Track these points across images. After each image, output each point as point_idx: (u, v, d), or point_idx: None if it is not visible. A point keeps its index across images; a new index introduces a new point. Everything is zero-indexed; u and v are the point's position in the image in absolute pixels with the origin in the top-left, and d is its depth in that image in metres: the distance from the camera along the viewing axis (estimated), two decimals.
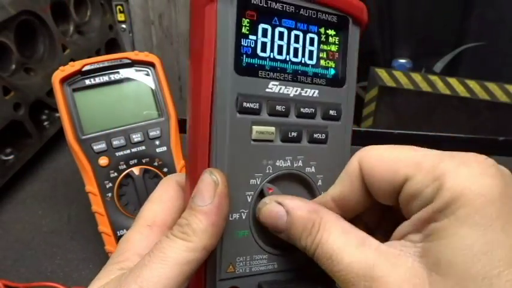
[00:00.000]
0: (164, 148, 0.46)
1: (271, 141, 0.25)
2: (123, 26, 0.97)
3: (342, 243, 0.22)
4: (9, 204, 0.57)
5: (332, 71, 0.27)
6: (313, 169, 0.27)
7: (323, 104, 0.27)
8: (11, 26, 0.56)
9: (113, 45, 0.80)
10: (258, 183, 0.25)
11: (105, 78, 0.46)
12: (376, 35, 0.90)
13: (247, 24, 0.24)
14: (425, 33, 0.87)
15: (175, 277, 0.21)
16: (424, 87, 0.77)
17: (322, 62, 0.27)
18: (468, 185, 0.19)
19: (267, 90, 0.25)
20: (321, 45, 0.27)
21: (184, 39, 1.01)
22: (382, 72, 0.78)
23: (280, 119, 0.26)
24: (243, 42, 0.24)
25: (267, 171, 0.25)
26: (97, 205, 0.44)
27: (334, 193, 0.25)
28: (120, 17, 0.96)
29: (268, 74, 0.25)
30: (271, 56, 0.25)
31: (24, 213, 0.55)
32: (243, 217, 0.25)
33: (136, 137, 0.45)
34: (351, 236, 0.22)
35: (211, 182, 0.23)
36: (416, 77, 0.77)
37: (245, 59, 0.24)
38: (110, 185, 0.44)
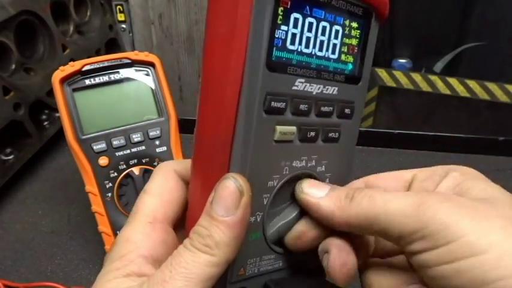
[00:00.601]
0: (164, 148, 0.46)
1: (291, 141, 0.24)
2: (123, 26, 0.97)
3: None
4: (9, 204, 0.57)
5: (350, 66, 0.26)
6: (323, 168, 0.26)
7: (340, 102, 0.25)
8: (11, 26, 0.56)
9: (113, 45, 0.80)
10: (275, 185, 0.24)
11: (105, 78, 0.46)
12: None
13: (281, 13, 0.21)
14: (425, 33, 0.87)
15: None
16: (424, 87, 0.77)
17: (342, 57, 0.25)
18: None
19: (293, 88, 0.23)
20: (344, 38, 0.25)
21: (184, 39, 1.01)
22: (382, 72, 0.78)
23: (301, 119, 0.24)
24: (277, 33, 0.21)
25: (284, 172, 0.24)
26: (97, 205, 0.44)
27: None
28: (120, 17, 0.96)
29: (295, 70, 0.23)
30: (299, 50, 0.23)
31: (24, 213, 0.55)
32: (258, 220, 0.24)
33: (136, 137, 0.45)
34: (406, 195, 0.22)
35: (235, 190, 0.20)
36: (416, 77, 0.77)
37: (275, 52, 0.22)
38: (110, 185, 0.44)
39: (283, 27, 0.22)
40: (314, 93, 0.24)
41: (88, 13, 0.75)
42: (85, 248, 0.50)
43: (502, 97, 0.73)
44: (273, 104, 0.22)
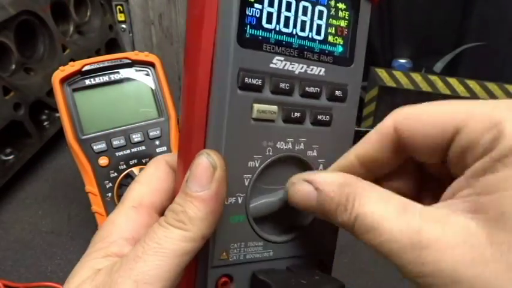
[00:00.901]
0: (164, 148, 0.46)
1: (272, 121, 0.23)
2: (123, 26, 0.97)
3: (382, 212, 0.19)
4: (9, 204, 0.57)
5: (340, 48, 0.25)
6: (314, 153, 0.25)
7: (329, 84, 0.25)
8: (11, 26, 0.56)
9: (113, 45, 0.80)
10: (257, 165, 0.23)
11: (105, 78, 0.46)
12: (376, 35, 0.90)
13: None
14: (425, 33, 0.87)
15: (173, 269, 0.20)
16: (424, 87, 0.77)
17: (330, 38, 0.25)
18: None
19: (271, 65, 0.23)
20: (330, 19, 0.24)
21: (184, 39, 1.01)
22: (382, 72, 0.78)
23: (283, 98, 0.23)
24: (248, 11, 0.21)
25: (267, 153, 0.24)
26: (97, 205, 0.44)
27: (359, 152, 0.23)
28: (120, 17, 0.96)
29: (273, 48, 0.23)
30: (277, 29, 0.23)
31: (24, 213, 0.55)
32: (239, 201, 0.23)
33: (136, 137, 0.45)
34: (390, 204, 0.19)
35: (208, 165, 0.20)
36: (416, 77, 0.77)
37: (249, 30, 0.22)
38: (110, 185, 0.44)
39: (257, 6, 0.22)
40: (296, 72, 0.24)
41: (88, 13, 0.75)
42: (85, 248, 0.50)
43: (502, 97, 0.73)
44: (247, 80, 0.22)
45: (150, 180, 0.25)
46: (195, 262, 0.23)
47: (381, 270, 0.33)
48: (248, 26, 0.22)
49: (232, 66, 0.21)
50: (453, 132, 0.19)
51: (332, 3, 0.24)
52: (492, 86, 0.72)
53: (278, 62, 0.23)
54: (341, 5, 0.25)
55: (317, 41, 0.24)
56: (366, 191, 0.20)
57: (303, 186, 0.22)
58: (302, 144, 0.25)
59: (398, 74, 0.76)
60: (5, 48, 0.56)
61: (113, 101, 0.46)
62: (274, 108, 0.23)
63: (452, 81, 0.74)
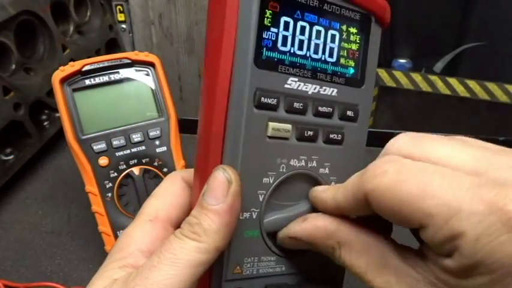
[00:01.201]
0: (164, 148, 0.46)
1: (287, 139, 0.24)
2: (123, 26, 0.97)
3: (364, 264, 0.21)
4: (9, 204, 0.57)
5: (351, 70, 0.26)
6: (326, 170, 0.26)
7: (341, 104, 0.26)
8: (11, 26, 0.56)
9: (113, 45, 0.80)
10: (271, 182, 0.24)
11: (105, 78, 0.46)
12: None
13: (270, 16, 0.23)
14: (425, 33, 0.87)
15: (187, 279, 0.20)
16: (424, 87, 0.77)
17: (342, 60, 0.26)
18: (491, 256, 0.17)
19: (286, 86, 0.24)
20: (342, 43, 0.25)
21: (184, 39, 1.01)
22: (382, 72, 0.78)
23: (297, 117, 0.24)
24: (264, 34, 0.23)
25: (281, 170, 0.24)
26: (97, 205, 0.44)
27: (335, 202, 0.23)
28: (120, 17, 0.96)
29: (288, 69, 0.24)
30: (292, 51, 0.24)
31: (24, 213, 0.55)
32: (254, 217, 0.24)
33: (136, 137, 0.45)
34: (371, 255, 0.21)
35: (224, 180, 0.21)
36: (416, 77, 0.77)
37: (265, 52, 0.23)
38: (110, 185, 0.44)
39: (273, 29, 0.23)
40: (310, 92, 0.25)
41: (88, 13, 0.75)
42: (85, 248, 0.50)
43: (502, 97, 0.73)
44: (263, 99, 0.23)
45: (165, 195, 0.26)
46: (209, 275, 0.24)
47: None
48: (264, 49, 0.23)
49: (249, 86, 0.22)
50: (417, 226, 0.19)
51: (344, 27, 0.25)
52: (492, 86, 0.72)
53: (292, 83, 0.24)
54: (352, 29, 0.26)
55: (330, 63, 0.25)
56: (350, 241, 0.22)
57: (298, 226, 0.24)
58: (315, 162, 0.25)
59: (398, 74, 0.76)
60: (5, 48, 0.56)
61: (113, 101, 0.46)
62: (289, 126, 0.24)
63: (452, 81, 0.74)
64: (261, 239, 0.25)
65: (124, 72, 0.46)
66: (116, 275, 0.22)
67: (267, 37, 0.23)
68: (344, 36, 0.25)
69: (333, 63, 0.25)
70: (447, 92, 0.74)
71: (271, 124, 0.23)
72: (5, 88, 0.54)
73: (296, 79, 0.24)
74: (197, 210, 0.22)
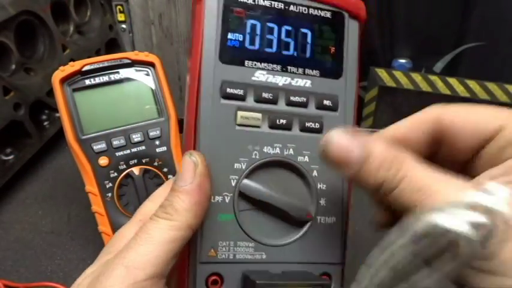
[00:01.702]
0: (164, 148, 0.46)
1: (257, 127, 0.26)
2: (123, 26, 0.97)
3: (429, 177, 0.20)
4: (9, 204, 0.57)
5: (327, 64, 0.27)
6: (306, 159, 0.27)
7: (316, 94, 0.27)
8: (11, 26, 0.56)
9: (113, 45, 0.80)
10: (243, 167, 0.26)
11: (105, 78, 0.46)
12: (376, 35, 0.90)
13: (235, 20, 0.25)
14: (425, 33, 0.87)
15: (162, 255, 0.22)
16: (424, 87, 0.77)
17: (316, 56, 0.27)
18: None
19: (253, 78, 0.26)
20: (316, 39, 0.27)
21: (184, 39, 1.01)
22: (382, 72, 0.78)
23: (268, 106, 0.26)
24: (230, 35, 0.25)
25: (253, 156, 0.26)
26: (97, 205, 0.44)
27: (397, 132, 0.24)
28: (120, 17, 0.96)
29: (255, 64, 0.26)
30: (260, 49, 0.26)
31: (24, 213, 0.55)
32: (226, 200, 0.25)
33: (136, 137, 0.45)
34: (434, 171, 0.20)
35: (190, 162, 0.23)
36: (416, 77, 0.77)
37: (231, 50, 0.25)
38: (110, 185, 0.44)
39: (240, 31, 0.26)
40: (280, 84, 0.26)
41: (88, 13, 0.75)
42: (85, 248, 0.50)
43: (502, 97, 0.73)
44: (229, 90, 0.25)
45: (159, 198, 0.27)
46: (188, 257, 0.25)
47: None
48: (231, 47, 0.26)
49: (215, 79, 0.25)
50: (493, 132, 0.21)
51: (316, 25, 0.27)
52: (492, 86, 0.72)
53: (260, 75, 0.26)
54: (325, 27, 0.27)
55: (302, 58, 0.27)
56: (411, 156, 0.21)
57: (348, 141, 0.21)
58: (291, 149, 0.26)
59: (398, 74, 0.76)
60: (5, 48, 0.56)
61: (113, 101, 0.46)
62: (258, 115, 0.26)
63: (452, 81, 0.74)
64: (236, 223, 0.25)
65: (124, 72, 0.47)
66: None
67: (233, 38, 0.25)
68: (317, 34, 0.27)
69: (305, 58, 0.27)
70: (447, 92, 0.74)
71: (240, 113, 0.25)
72: (5, 88, 0.54)
73: (264, 72, 0.26)
74: (169, 194, 0.23)
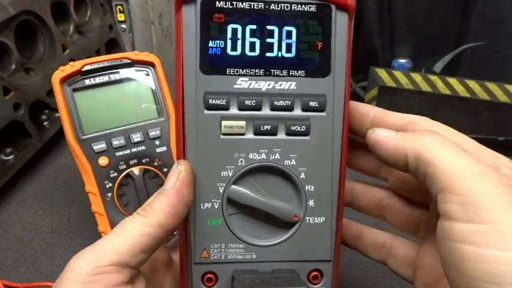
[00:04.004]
0: (164, 148, 0.46)
1: (242, 134, 0.26)
2: (123, 26, 0.97)
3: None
4: (9, 204, 0.57)
5: (314, 62, 0.26)
6: (293, 162, 0.27)
7: (302, 96, 0.26)
8: (11, 26, 0.56)
9: (113, 45, 0.80)
10: (230, 175, 0.26)
11: (105, 78, 0.46)
12: (376, 35, 0.90)
13: (215, 27, 0.25)
14: (425, 33, 0.87)
15: (128, 246, 0.23)
16: (424, 87, 0.77)
17: (302, 54, 0.26)
18: None
19: (236, 86, 0.26)
20: (301, 36, 0.26)
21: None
22: (382, 72, 0.78)
23: (252, 113, 0.26)
24: (211, 43, 0.25)
25: (239, 163, 0.26)
26: (97, 205, 0.44)
27: None
28: (120, 17, 0.96)
29: (237, 71, 0.26)
30: (242, 54, 0.26)
31: (24, 213, 0.55)
32: (215, 206, 0.26)
33: (136, 137, 0.45)
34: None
35: (176, 170, 0.25)
36: (416, 77, 0.77)
37: (212, 59, 0.25)
38: (110, 185, 0.44)
39: (220, 38, 0.25)
40: (263, 89, 0.26)
41: (88, 13, 0.75)
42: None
43: (502, 97, 0.73)
44: (212, 101, 0.26)
45: None
46: (185, 260, 0.27)
47: (381, 271, 0.33)
48: (212, 56, 0.25)
49: (197, 90, 0.25)
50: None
51: (301, 21, 0.26)
52: (492, 86, 0.72)
53: (242, 83, 0.26)
54: (311, 22, 0.26)
55: (287, 59, 0.26)
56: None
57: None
58: (277, 154, 0.27)
59: (398, 74, 0.76)
60: (5, 48, 0.56)
61: (113, 101, 0.46)
62: (242, 123, 0.26)
63: (452, 81, 0.74)
64: (226, 227, 0.27)
65: (124, 72, 0.46)
66: None
67: (214, 45, 0.25)
68: (302, 30, 0.26)
69: (291, 58, 0.26)
70: (447, 92, 0.74)
71: (224, 122, 0.26)
72: (5, 88, 0.54)
73: (246, 78, 0.26)
74: (154, 195, 0.25)
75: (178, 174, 0.25)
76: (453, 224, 0.21)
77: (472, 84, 0.72)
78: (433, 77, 0.73)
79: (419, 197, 0.30)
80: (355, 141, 0.30)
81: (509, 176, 0.22)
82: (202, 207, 0.26)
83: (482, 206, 0.20)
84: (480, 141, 0.25)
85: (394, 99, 0.80)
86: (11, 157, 0.57)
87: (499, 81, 0.73)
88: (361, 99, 1.20)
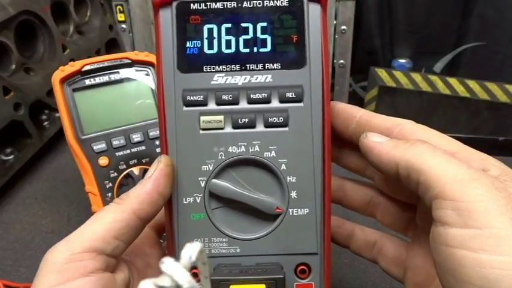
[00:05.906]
0: None
1: (221, 128, 0.27)
2: (123, 26, 0.97)
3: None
4: (9, 204, 0.57)
5: (289, 54, 0.27)
6: (273, 154, 0.27)
7: (279, 88, 0.27)
8: (11, 26, 0.56)
9: (113, 45, 0.80)
10: (211, 169, 0.27)
11: (105, 78, 0.46)
12: (376, 35, 0.90)
13: (192, 28, 0.26)
14: (425, 33, 0.87)
15: (100, 232, 0.24)
16: (424, 87, 0.77)
17: (277, 48, 0.27)
18: None
19: (213, 82, 0.27)
20: (275, 30, 0.27)
21: None
22: (382, 72, 0.78)
23: (229, 107, 0.27)
24: (189, 44, 0.26)
25: (219, 157, 0.27)
26: (97, 205, 0.44)
27: None
28: (120, 17, 0.96)
29: (213, 68, 0.27)
30: (219, 52, 0.27)
31: (24, 213, 0.55)
32: (197, 201, 0.27)
33: (136, 137, 0.45)
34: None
35: (155, 162, 0.26)
36: (416, 77, 0.77)
37: (190, 58, 0.27)
38: (110, 185, 0.44)
39: (197, 38, 0.27)
40: (240, 83, 0.27)
41: (88, 13, 0.75)
42: None
43: (502, 97, 0.73)
44: (189, 98, 0.26)
45: None
46: (172, 254, 0.26)
47: (381, 271, 0.33)
48: (189, 56, 0.27)
49: (176, 88, 0.27)
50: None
51: (275, 16, 0.27)
52: (492, 86, 0.72)
53: (219, 79, 0.27)
54: (284, 16, 0.27)
55: (262, 53, 0.27)
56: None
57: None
58: (257, 146, 0.27)
59: (398, 74, 0.76)
60: (5, 48, 0.56)
61: (113, 101, 0.46)
62: (220, 117, 0.27)
63: (452, 81, 0.74)
64: (209, 221, 0.27)
65: (124, 72, 0.46)
66: None
67: (192, 46, 0.27)
68: (275, 25, 0.27)
69: (265, 53, 0.27)
70: (447, 92, 0.74)
71: (202, 118, 0.27)
72: (5, 88, 0.54)
73: (222, 74, 0.27)
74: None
75: (157, 166, 0.26)
76: (448, 230, 0.21)
77: (472, 84, 0.72)
78: (433, 77, 0.73)
79: (404, 198, 0.30)
80: (342, 139, 0.30)
81: (499, 177, 0.22)
82: (184, 202, 0.27)
83: (477, 211, 0.20)
84: (480, 141, 0.25)
85: (394, 99, 0.80)
86: (11, 157, 0.57)
87: (499, 81, 0.73)
88: (361, 99, 1.20)
